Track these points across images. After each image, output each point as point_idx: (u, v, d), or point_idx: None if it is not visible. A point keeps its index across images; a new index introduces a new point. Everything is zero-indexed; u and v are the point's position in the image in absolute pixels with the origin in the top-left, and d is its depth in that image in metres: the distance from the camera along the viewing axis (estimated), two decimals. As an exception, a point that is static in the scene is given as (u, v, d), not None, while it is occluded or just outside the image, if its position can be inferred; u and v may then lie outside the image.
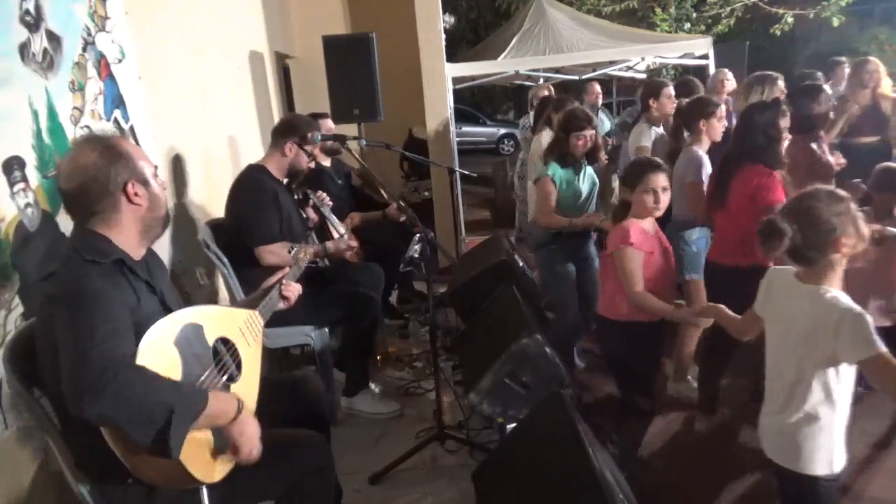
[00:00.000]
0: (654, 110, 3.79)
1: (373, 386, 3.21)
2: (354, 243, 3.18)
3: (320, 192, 3.42)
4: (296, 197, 3.18)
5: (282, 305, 2.06)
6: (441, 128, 5.63)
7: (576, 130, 3.06)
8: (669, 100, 3.78)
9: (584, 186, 3.20)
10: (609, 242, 2.45)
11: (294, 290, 2.09)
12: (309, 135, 2.95)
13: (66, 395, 1.32)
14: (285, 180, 3.06)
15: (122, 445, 1.39)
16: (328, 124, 4.10)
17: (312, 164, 3.13)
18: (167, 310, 1.63)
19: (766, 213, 1.72)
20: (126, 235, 1.58)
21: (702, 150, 3.03)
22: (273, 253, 2.81)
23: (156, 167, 1.66)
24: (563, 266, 3.20)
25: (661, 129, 3.81)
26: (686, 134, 3.19)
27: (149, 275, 1.65)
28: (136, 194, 1.56)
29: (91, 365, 1.29)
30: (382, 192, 3.37)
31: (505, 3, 12.93)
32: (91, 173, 1.52)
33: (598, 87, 6.16)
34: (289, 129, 3.00)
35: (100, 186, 1.52)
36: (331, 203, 3.49)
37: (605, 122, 5.81)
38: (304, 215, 3.23)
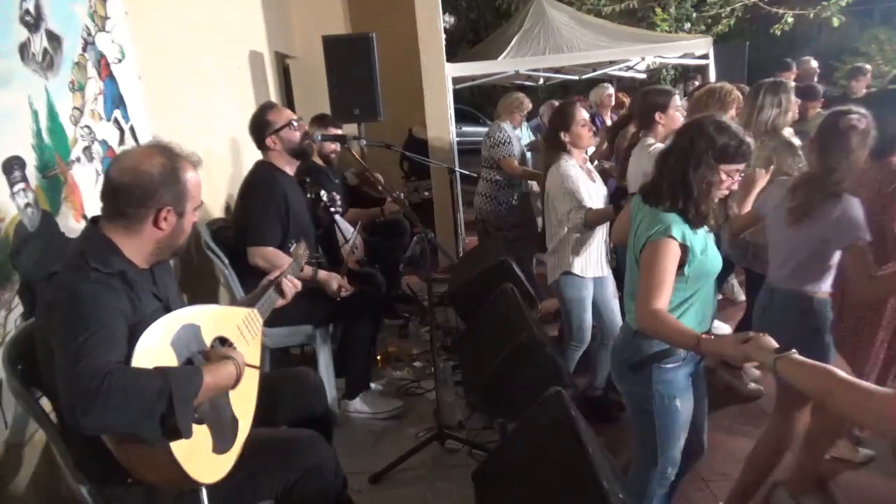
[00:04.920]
0: (662, 126, 3.00)
1: (374, 385, 3.21)
2: (346, 286, 2.92)
3: (333, 194, 3.36)
4: (308, 196, 3.15)
5: (281, 302, 2.06)
6: (441, 128, 5.63)
7: (728, 162, 1.76)
8: (678, 111, 3.10)
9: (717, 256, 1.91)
10: None
11: (293, 286, 2.09)
12: (287, 124, 2.90)
13: (62, 406, 1.32)
14: (292, 173, 3.01)
15: (120, 448, 1.40)
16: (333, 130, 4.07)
17: (304, 127, 3.05)
18: None
19: None
20: (137, 248, 1.60)
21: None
22: (263, 257, 2.78)
23: (201, 203, 1.68)
24: (686, 396, 1.92)
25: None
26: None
27: (153, 283, 1.66)
28: (165, 219, 1.58)
29: (81, 377, 1.29)
30: (380, 188, 3.33)
31: (505, 3, 12.94)
32: (142, 180, 1.54)
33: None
34: (259, 129, 2.94)
35: (142, 196, 1.54)
36: (341, 208, 3.44)
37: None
38: (315, 215, 3.19)
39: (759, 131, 2.88)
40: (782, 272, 2.16)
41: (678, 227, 1.74)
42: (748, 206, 2.46)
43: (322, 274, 2.89)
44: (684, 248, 1.75)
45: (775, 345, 1.38)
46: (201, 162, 1.69)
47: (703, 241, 1.82)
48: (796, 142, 2.88)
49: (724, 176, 1.76)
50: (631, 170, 3.06)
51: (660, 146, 2.82)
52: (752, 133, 2.90)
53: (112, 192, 1.56)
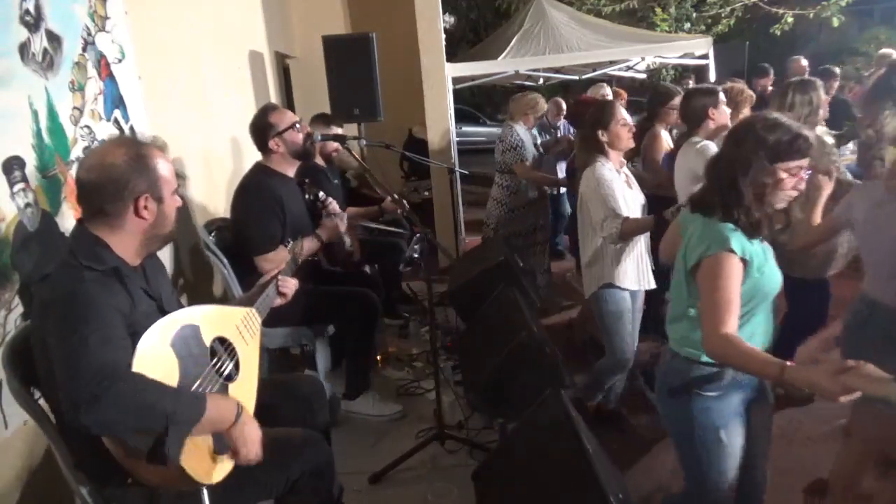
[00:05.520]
0: (713, 122, 2.92)
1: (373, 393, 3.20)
2: (340, 225, 3.00)
3: (330, 199, 3.34)
4: (307, 197, 3.14)
5: (279, 301, 2.06)
6: (441, 128, 5.63)
7: (785, 160, 1.59)
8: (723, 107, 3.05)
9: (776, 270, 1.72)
10: None
11: (291, 285, 2.08)
12: (291, 126, 2.89)
13: (63, 405, 1.32)
14: (293, 174, 2.98)
15: (121, 448, 1.40)
16: (336, 130, 4.06)
17: (307, 128, 3.02)
18: (165, 315, 1.62)
19: None
20: (125, 243, 1.59)
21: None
22: (270, 261, 2.75)
23: (178, 185, 1.67)
24: (733, 427, 1.71)
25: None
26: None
27: (146, 281, 1.65)
28: (145, 208, 1.57)
29: (84, 375, 1.29)
30: (379, 189, 3.32)
31: (505, 3, 12.94)
32: (111, 174, 1.53)
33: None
34: (261, 132, 2.90)
35: (114, 189, 1.53)
36: (338, 210, 3.41)
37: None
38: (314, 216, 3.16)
39: None
40: (891, 286, 1.96)
41: (737, 240, 1.57)
42: (818, 216, 2.26)
43: (321, 232, 2.87)
44: (744, 263, 1.57)
45: (885, 374, 1.21)
46: (167, 145, 1.68)
47: (761, 256, 1.63)
48: (829, 140, 2.82)
49: (784, 175, 1.58)
50: (679, 171, 2.91)
51: (707, 143, 2.77)
52: None
53: (86, 193, 1.56)
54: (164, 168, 1.61)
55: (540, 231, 4.35)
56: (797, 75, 5.95)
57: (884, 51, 5.59)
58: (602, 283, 2.67)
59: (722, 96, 2.94)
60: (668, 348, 1.82)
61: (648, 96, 4.16)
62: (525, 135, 4.22)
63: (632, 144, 2.77)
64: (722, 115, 2.90)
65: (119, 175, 1.53)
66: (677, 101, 3.57)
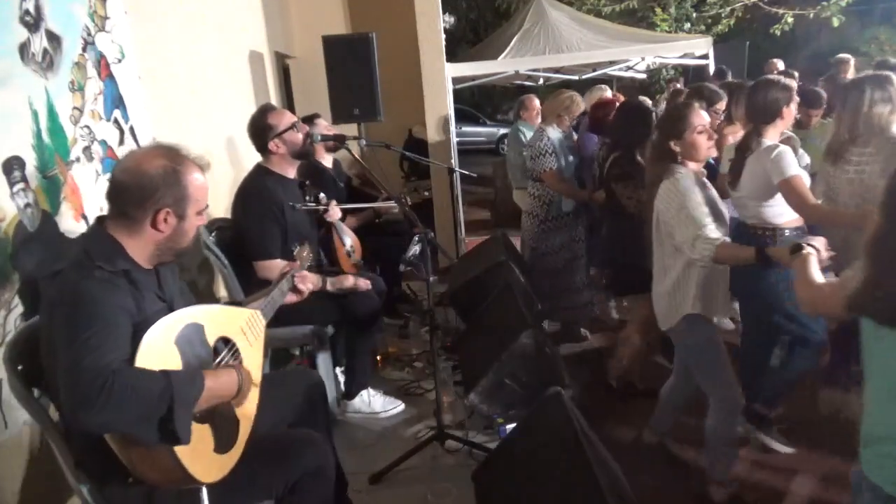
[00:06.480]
0: (783, 122, 2.59)
1: (372, 390, 3.20)
2: (356, 281, 2.99)
3: (332, 202, 3.27)
4: (307, 198, 3.13)
5: (293, 298, 2.06)
6: (441, 128, 5.63)
7: None
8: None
9: None
10: None
11: (309, 280, 2.09)
12: (291, 126, 2.88)
13: (65, 407, 1.33)
14: (294, 176, 2.98)
15: (122, 446, 1.40)
16: (322, 123, 4.08)
17: (306, 128, 3.02)
18: None
19: None
20: (140, 248, 1.59)
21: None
22: (269, 269, 2.74)
23: (206, 206, 1.67)
24: None
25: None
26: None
27: (158, 284, 1.66)
28: (164, 221, 1.57)
29: (84, 375, 1.29)
30: (382, 190, 3.31)
31: (505, 3, 12.96)
32: (141, 180, 1.54)
33: (536, 102, 5.05)
34: (261, 134, 2.89)
35: (140, 195, 1.54)
36: (338, 214, 3.40)
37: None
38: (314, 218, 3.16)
39: (870, 131, 2.61)
40: None
41: None
42: None
43: (329, 283, 2.84)
44: None
45: None
46: (209, 165, 1.68)
47: None
48: None
49: None
50: (750, 178, 2.52)
51: (784, 149, 2.43)
52: (861, 133, 2.61)
53: (114, 192, 1.57)
54: (195, 187, 1.61)
55: (577, 244, 3.94)
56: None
57: (840, 56, 5.47)
58: (684, 312, 2.30)
59: (795, 94, 2.60)
60: (864, 478, 1.37)
61: (686, 97, 3.79)
62: (558, 139, 3.81)
63: (714, 153, 2.43)
64: (792, 114, 2.60)
65: (148, 183, 1.53)
66: (721, 105, 3.38)
